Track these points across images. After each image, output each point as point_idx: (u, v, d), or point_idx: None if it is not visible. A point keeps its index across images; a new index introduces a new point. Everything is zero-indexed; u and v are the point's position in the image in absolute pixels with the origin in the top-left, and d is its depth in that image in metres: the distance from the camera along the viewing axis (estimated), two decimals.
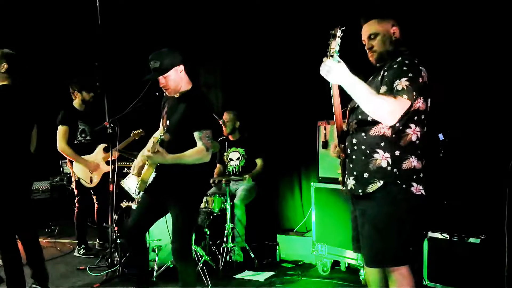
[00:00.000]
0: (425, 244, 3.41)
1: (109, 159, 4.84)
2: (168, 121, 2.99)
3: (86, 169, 4.79)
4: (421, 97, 2.24)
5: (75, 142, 4.81)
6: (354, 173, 2.37)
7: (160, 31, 5.76)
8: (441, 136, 3.48)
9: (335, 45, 2.04)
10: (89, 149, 4.90)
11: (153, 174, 2.94)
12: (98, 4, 4.66)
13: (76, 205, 4.94)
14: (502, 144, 3.41)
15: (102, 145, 4.92)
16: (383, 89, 2.24)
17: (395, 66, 2.27)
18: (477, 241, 3.21)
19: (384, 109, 2.15)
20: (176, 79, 2.91)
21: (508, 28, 3.44)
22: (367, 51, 2.46)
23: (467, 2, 3.66)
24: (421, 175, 2.31)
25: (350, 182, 2.39)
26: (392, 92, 2.19)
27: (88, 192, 4.93)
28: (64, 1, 6.03)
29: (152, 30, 5.84)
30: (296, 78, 4.76)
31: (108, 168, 4.86)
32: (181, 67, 2.93)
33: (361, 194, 2.32)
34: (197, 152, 2.86)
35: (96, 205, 5.02)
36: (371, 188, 2.29)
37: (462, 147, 3.55)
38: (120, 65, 5.95)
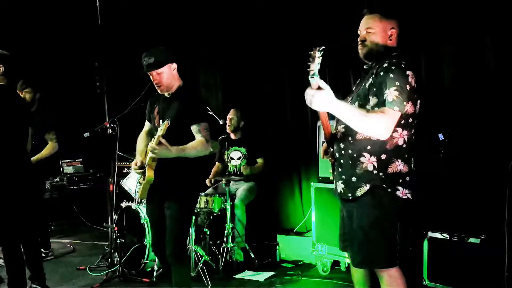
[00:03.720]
0: (425, 244, 3.41)
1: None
2: (161, 121, 2.98)
3: None
4: (410, 101, 2.21)
5: None
6: (343, 177, 2.37)
7: (160, 31, 5.76)
8: (441, 136, 3.48)
9: (314, 67, 2.00)
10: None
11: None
12: (98, 4, 4.67)
13: None
14: (502, 144, 3.40)
15: None
16: (374, 100, 2.22)
17: (382, 73, 2.23)
18: (477, 241, 3.21)
19: (376, 127, 2.15)
20: (169, 76, 2.96)
21: (509, 27, 3.43)
22: (359, 42, 2.41)
23: (469, 2, 3.66)
24: (408, 178, 2.29)
25: (340, 186, 2.40)
26: (383, 104, 2.18)
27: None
28: (64, 1, 6.03)
29: (152, 30, 5.83)
30: (296, 77, 4.76)
31: None
32: (174, 65, 2.98)
33: (350, 198, 2.34)
34: (199, 144, 2.87)
35: None
36: (360, 192, 2.30)
37: (462, 147, 3.55)
38: (120, 65, 5.95)
